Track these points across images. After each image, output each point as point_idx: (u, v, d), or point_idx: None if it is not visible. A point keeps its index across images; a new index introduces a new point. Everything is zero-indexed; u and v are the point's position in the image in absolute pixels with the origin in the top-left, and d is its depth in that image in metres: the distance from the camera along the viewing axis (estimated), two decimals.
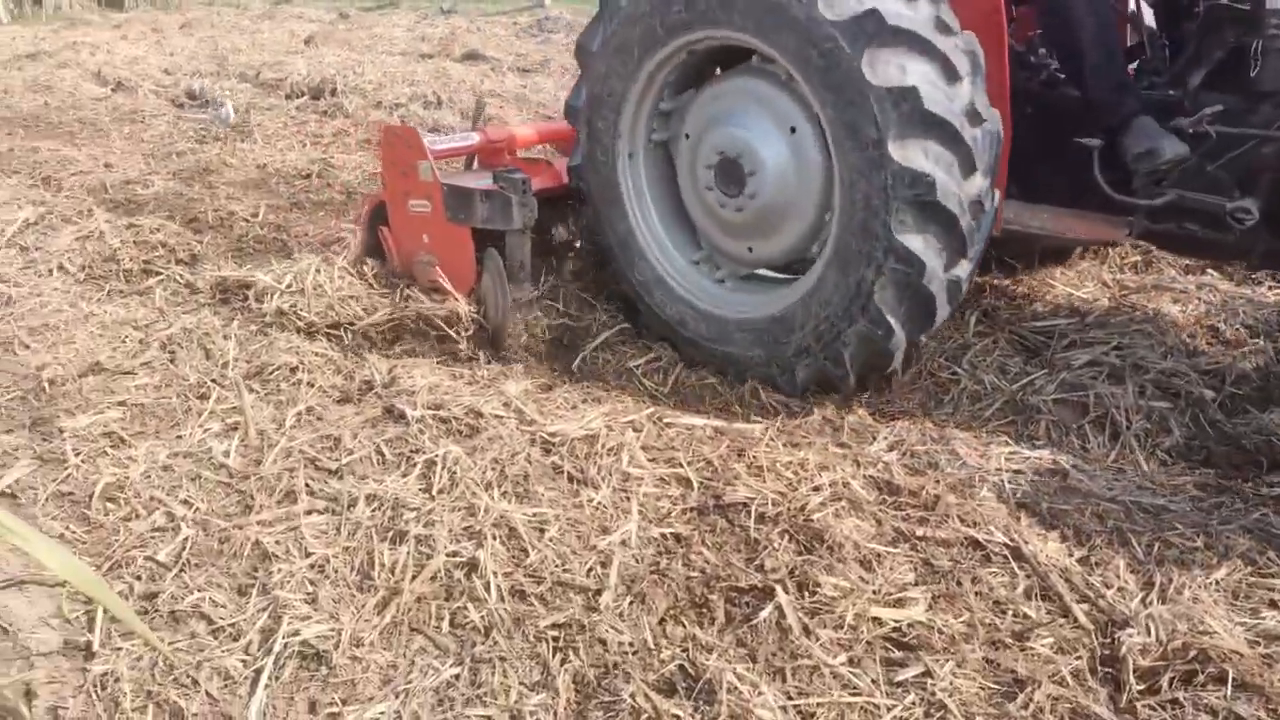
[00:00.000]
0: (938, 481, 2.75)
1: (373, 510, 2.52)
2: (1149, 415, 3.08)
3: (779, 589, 2.26)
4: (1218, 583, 2.33)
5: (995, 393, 3.24)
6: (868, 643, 2.14)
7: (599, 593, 2.28)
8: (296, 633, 2.12)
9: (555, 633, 2.16)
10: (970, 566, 2.41)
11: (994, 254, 4.02)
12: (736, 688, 1.97)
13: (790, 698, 1.98)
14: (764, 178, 3.20)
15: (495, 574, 2.30)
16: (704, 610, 2.27)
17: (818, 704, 1.96)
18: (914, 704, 1.96)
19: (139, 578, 2.34)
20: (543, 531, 2.46)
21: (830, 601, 2.24)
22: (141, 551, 2.42)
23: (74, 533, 2.52)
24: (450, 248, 3.65)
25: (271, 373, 3.24)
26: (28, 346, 3.58)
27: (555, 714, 1.96)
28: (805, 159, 3.15)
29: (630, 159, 3.57)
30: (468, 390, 3.09)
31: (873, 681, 2.03)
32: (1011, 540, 2.47)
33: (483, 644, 2.13)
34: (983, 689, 2.01)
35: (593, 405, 3.05)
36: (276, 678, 2.04)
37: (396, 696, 1.99)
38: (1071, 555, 2.48)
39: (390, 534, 2.44)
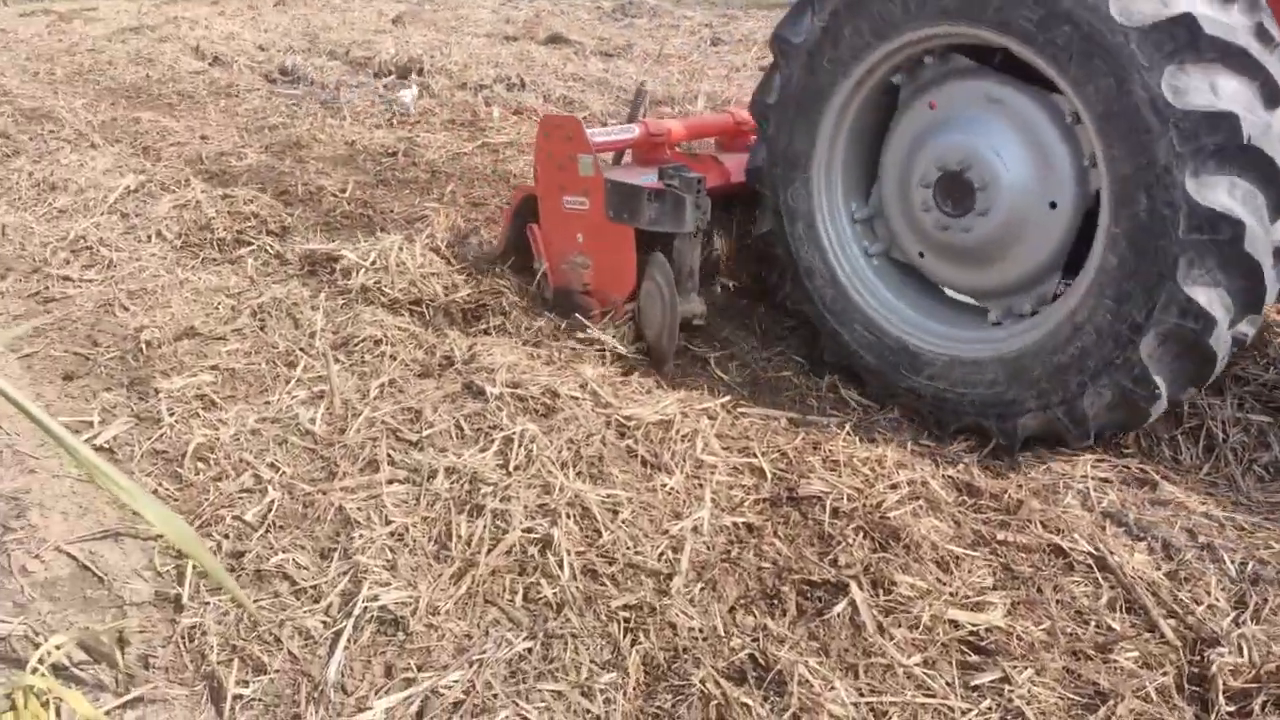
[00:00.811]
0: (1020, 485, 2.69)
1: (451, 483, 2.56)
2: (1247, 428, 2.95)
3: (853, 585, 2.23)
4: None
5: None
6: (943, 645, 2.10)
7: (670, 577, 2.28)
8: (375, 598, 2.18)
9: (626, 613, 2.17)
10: (1052, 574, 2.35)
11: None
12: (808, 680, 1.96)
13: (862, 695, 1.96)
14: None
15: (569, 552, 2.32)
16: (775, 601, 2.25)
17: (890, 703, 1.93)
18: (990, 709, 1.92)
19: (226, 536, 2.43)
20: (616, 513, 2.47)
21: (906, 601, 2.21)
22: (230, 511, 2.51)
23: (166, 489, 2.62)
24: (609, 250, 3.39)
25: (356, 344, 3.31)
26: (127, 309, 3.73)
27: (625, 693, 1.97)
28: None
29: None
30: (545, 370, 3.11)
31: (948, 684, 1.99)
32: (1096, 549, 2.40)
33: (555, 620, 2.15)
34: (1062, 699, 1.96)
35: (668, 391, 3.05)
36: (355, 640, 2.09)
37: (470, 666, 2.03)
38: (1159, 569, 2.39)
39: (468, 507, 2.48)
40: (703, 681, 1.97)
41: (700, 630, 2.15)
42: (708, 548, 2.41)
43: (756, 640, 2.10)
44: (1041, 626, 2.16)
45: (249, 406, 2.99)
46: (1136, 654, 2.08)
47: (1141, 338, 2.53)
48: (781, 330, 3.66)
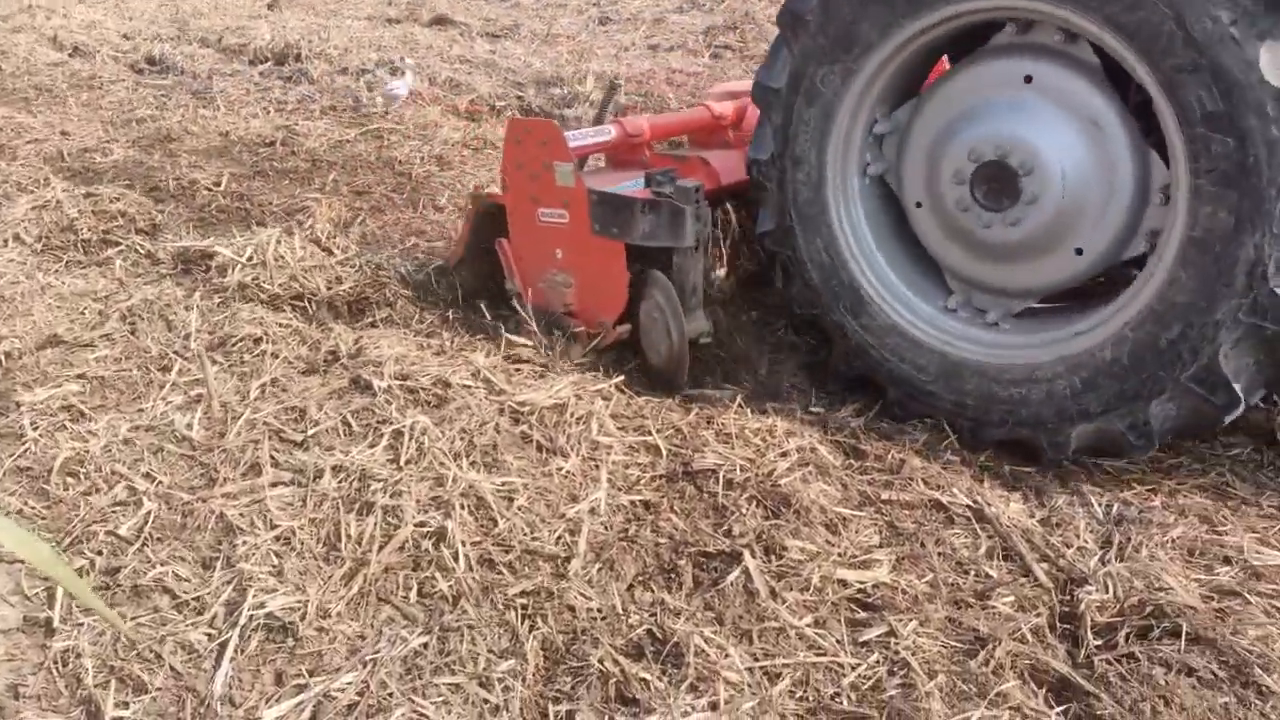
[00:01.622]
0: (903, 445, 2.78)
1: (339, 481, 2.50)
2: None
3: (746, 553, 2.27)
4: (1174, 541, 2.38)
5: None
6: (833, 604, 2.16)
7: (568, 560, 2.29)
8: (262, 605, 2.11)
9: (524, 600, 2.16)
10: (934, 528, 2.44)
11: None
12: (704, 650, 1.99)
13: (756, 659, 2.00)
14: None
15: (464, 543, 2.29)
16: (672, 575, 2.28)
17: (783, 664, 1.98)
18: (878, 663, 1.99)
19: (100, 553, 2.32)
20: (511, 500, 2.45)
21: (796, 564, 2.26)
22: (103, 526, 2.39)
23: (33, 508, 2.48)
24: (594, 267, 3.11)
25: (235, 344, 3.19)
26: None
27: (524, 680, 1.97)
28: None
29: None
30: (435, 360, 3.06)
31: (837, 642, 2.06)
32: (974, 502, 2.50)
33: (451, 613, 2.13)
34: (944, 647, 2.04)
35: (562, 375, 3.03)
36: (242, 650, 2.03)
37: (364, 666, 1.99)
38: (1033, 516, 2.52)
39: (357, 505, 2.42)
40: (601, 660, 1.98)
41: (599, 610, 2.16)
42: (605, 528, 2.42)
43: (654, 615, 2.12)
44: (925, 579, 2.24)
45: (120, 415, 2.85)
46: (1013, 598, 2.19)
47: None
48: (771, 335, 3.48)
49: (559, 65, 7.94)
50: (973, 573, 2.29)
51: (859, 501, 2.55)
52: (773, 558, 2.30)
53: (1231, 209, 2.31)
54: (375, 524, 2.35)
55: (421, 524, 2.36)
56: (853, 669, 1.98)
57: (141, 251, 4.07)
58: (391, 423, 2.68)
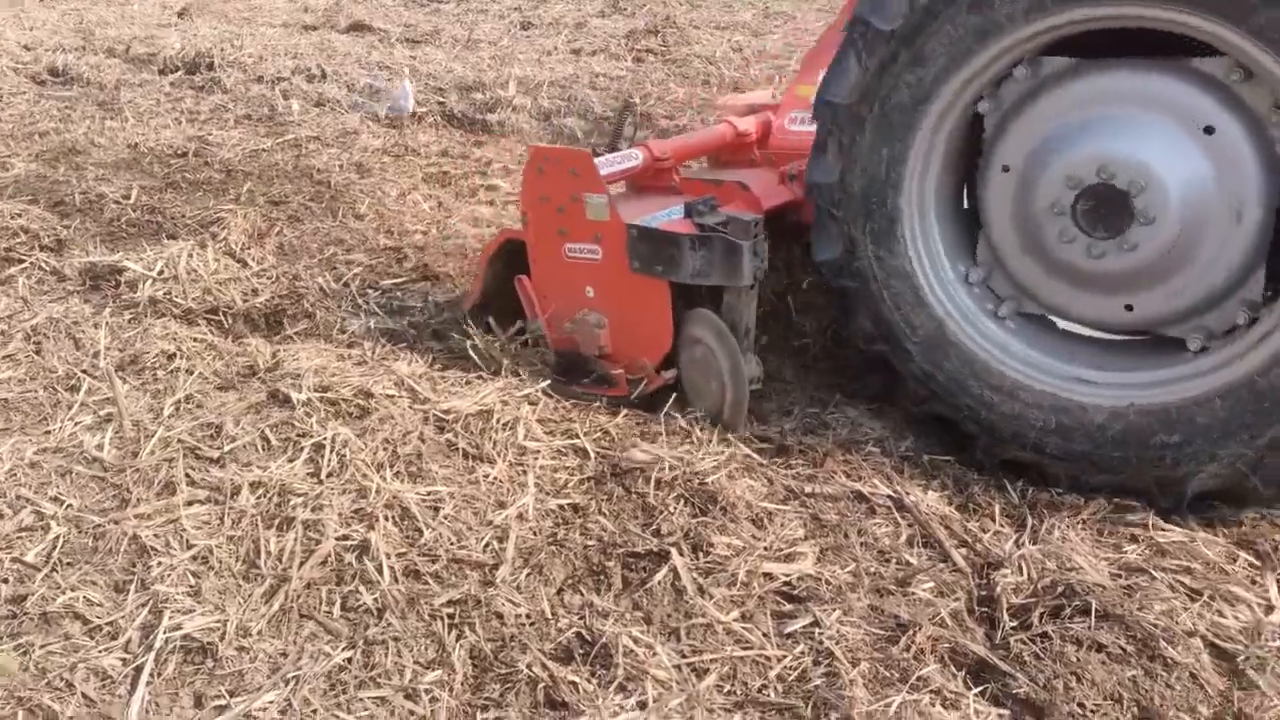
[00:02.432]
0: (827, 440, 2.83)
1: (258, 498, 2.45)
2: None
3: (674, 552, 2.29)
4: (1084, 521, 2.47)
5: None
6: (759, 598, 2.19)
7: (496, 567, 2.27)
8: (178, 627, 2.05)
9: (451, 609, 2.14)
10: (856, 519, 2.49)
11: None
12: (632, 650, 2.00)
13: (685, 656, 2.02)
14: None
15: (388, 555, 2.27)
16: (601, 577, 2.29)
17: (710, 660, 2.00)
18: (803, 653, 2.02)
19: (6, 580, 2.22)
20: (437, 510, 2.43)
21: (724, 560, 2.29)
22: (8, 553, 2.29)
23: None
24: (634, 307, 2.89)
25: (147, 361, 3.09)
26: None
27: (451, 690, 1.95)
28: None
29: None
30: (357, 371, 3.01)
31: (764, 635, 2.08)
32: (895, 492, 2.56)
33: (376, 626, 2.10)
34: (867, 635, 2.08)
35: (488, 381, 3.01)
36: (158, 674, 1.97)
37: (286, 684, 1.95)
38: (951, 503, 2.59)
39: (277, 521, 2.37)
40: (529, 666, 1.98)
41: (528, 616, 2.15)
42: (534, 533, 2.41)
43: (583, 618, 2.12)
44: (848, 569, 2.29)
45: (26, 438, 2.74)
46: (932, 584, 2.25)
47: None
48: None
49: (481, 70, 7.89)
50: (894, 561, 2.34)
51: (784, 496, 2.59)
52: (700, 555, 2.32)
53: None
54: (296, 539, 2.30)
55: (344, 537, 2.32)
56: (779, 660, 2.01)
57: (46, 269, 3.92)
58: (311, 436, 2.63)
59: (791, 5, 10.70)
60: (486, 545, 2.35)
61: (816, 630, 2.08)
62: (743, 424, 2.81)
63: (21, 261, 4.00)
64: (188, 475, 2.52)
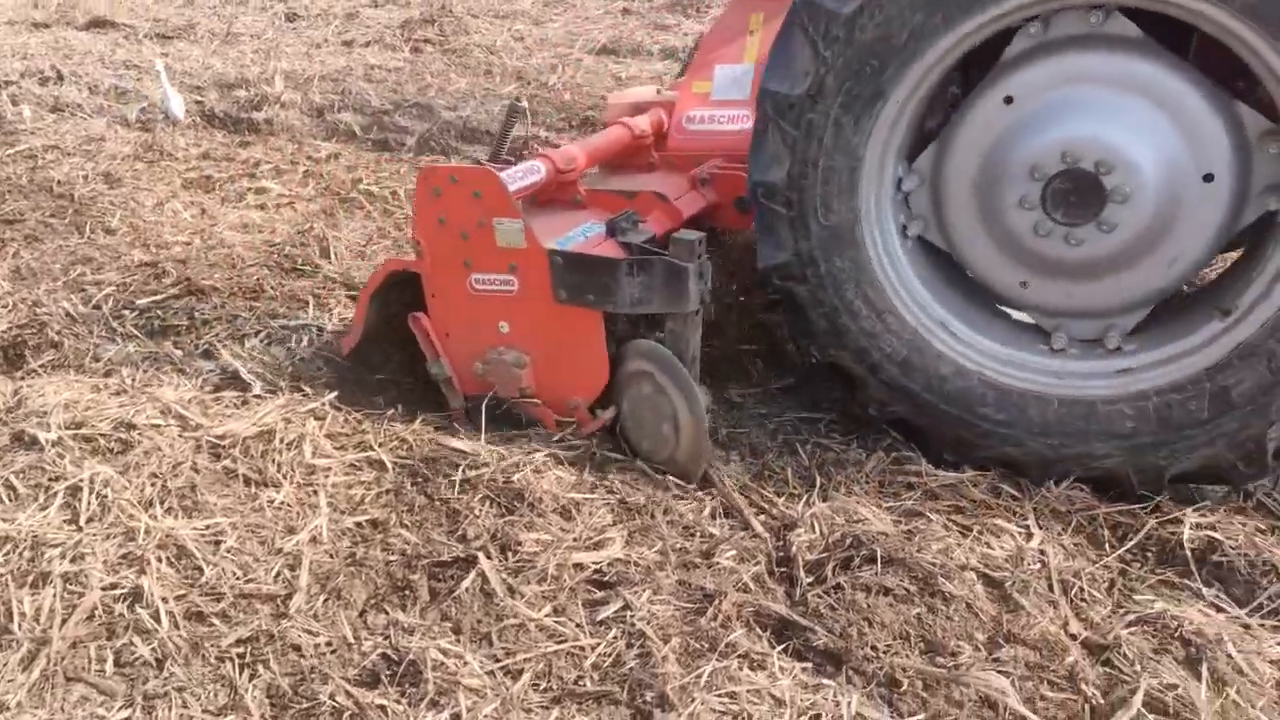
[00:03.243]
0: None
1: (5, 554, 2.17)
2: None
3: (481, 555, 2.24)
4: (867, 475, 2.63)
5: None
6: (571, 589, 2.18)
7: (289, 597, 2.14)
8: None
9: (241, 649, 2.00)
10: (662, 499, 2.53)
11: None
12: (442, 663, 1.94)
13: (497, 660, 1.98)
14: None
15: (165, 600, 2.08)
16: (407, 592, 2.20)
17: (524, 660, 1.98)
18: (616, 638, 2.04)
19: None
20: (218, 544, 2.25)
21: (532, 557, 2.26)
22: None
23: None
24: (561, 342, 2.64)
25: None
26: None
27: None
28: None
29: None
30: (115, 402, 2.74)
31: (577, 625, 2.08)
32: None
33: (156, 679, 1.92)
34: (677, 610, 2.13)
35: (267, 399, 2.83)
36: None
37: None
38: (749, 472, 2.68)
39: (30, 577, 2.12)
40: (332, 696, 1.87)
41: (328, 643, 2.04)
42: (330, 556, 2.29)
43: (388, 637, 2.04)
44: (655, 549, 2.32)
45: None
46: (734, 552, 2.32)
47: None
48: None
49: (243, 66, 7.38)
50: (698, 535, 2.40)
51: (591, 485, 2.59)
52: (509, 555, 2.28)
53: None
54: (55, 595, 2.07)
55: (112, 586, 2.11)
56: (593, 649, 2.01)
57: None
58: (65, 479, 2.37)
59: None
60: (277, 575, 2.20)
61: (628, 613, 2.10)
62: (703, 465, 2.58)
63: None
64: None
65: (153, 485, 2.38)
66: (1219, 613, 2.19)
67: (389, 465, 2.62)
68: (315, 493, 2.47)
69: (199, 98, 6.58)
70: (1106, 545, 2.41)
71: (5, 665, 1.94)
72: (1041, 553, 2.33)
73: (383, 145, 5.95)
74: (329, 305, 3.60)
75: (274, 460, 2.53)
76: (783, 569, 2.29)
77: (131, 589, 2.09)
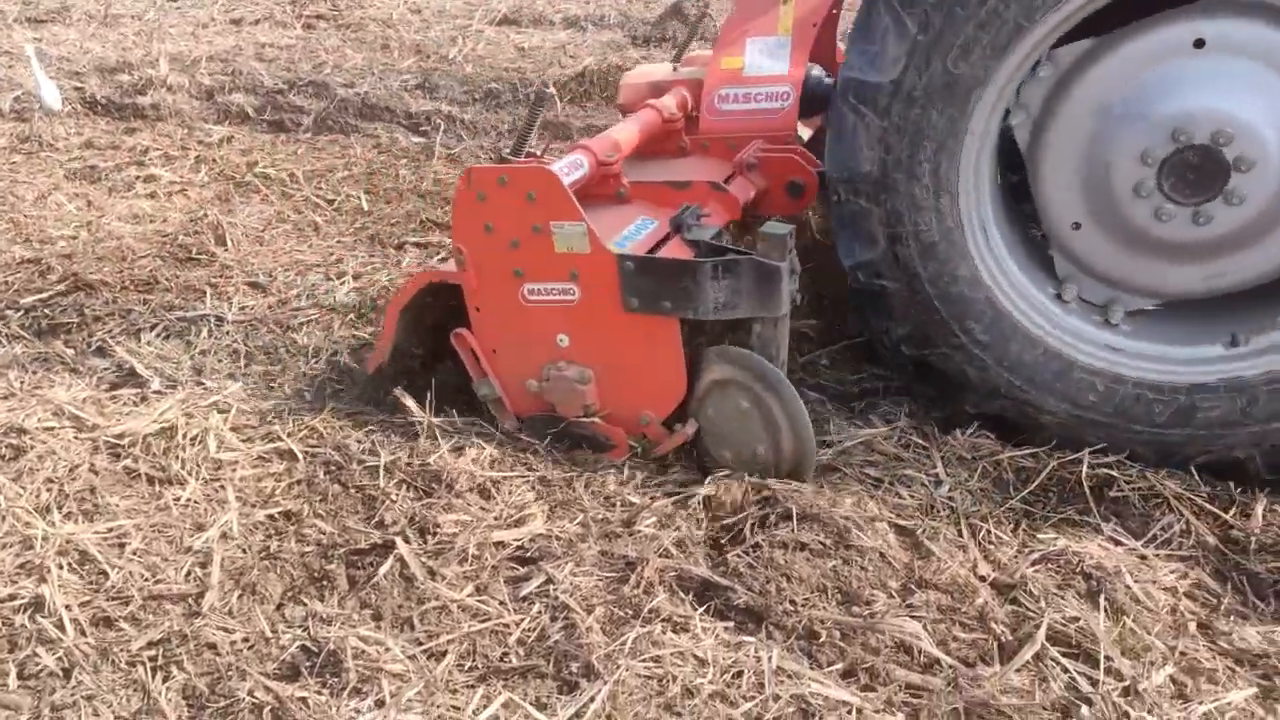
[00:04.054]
0: None
1: None
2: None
3: (399, 540, 2.21)
4: None
5: None
6: (493, 568, 2.17)
7: (201, 595, 2.08)
8: None
9: (153, 651, 1.94)
10: (583, 471, 2.53)
11: None
12: (363, 651, 1.91)
13: (420, 643, 1.96)
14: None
15: (68, 607, 2.00)
16: (325, 583, 2.16)
17: (447, 641, 1.96)
18: (540, 613, 2.04)
19: None
20: (123, 546, 2.18)
21: (452, 538, 2.24)
22: None
23: None
24: (631, 354, 2.41)
25: None
26: None
27: None
28: None
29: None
30: (3, 406, 2.61)
31: (500, 603, 2.07)
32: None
33: (64, 688, 1.85)
34: (600, 580, 2.14)
35: (166, 394, 2.73)
36: None
37: None
38: None
39: None
40: (251, 692, 1.83)
41: (245, 639, 1.99)
42: (242, 551, 2.23)
43: (306, 629, 2.00)
44: (576, 521, 2.33)
45: None
46: (655, 519, 2.34)
47: None
48: None
49: (124, 49, 7.05)
50: (619, 504, 2.41)
51: (511, 463, 2.57)
52: (428, 538, 2.25)
53: None
54: None
55: (11, 597, 2.03)
56: (517, 625, 2.01)
57: None
58: None
59: None
60: (188, 574, 2.14)
61: (551, 587, 2.10)
62: (810, 473, 2.43)
63: None
64: None
65: (48, 490, 2.28)
66: (1117, 545, 2.30)
67: (299, 455, 2.57)
68: (223, 488, 2.40)
69: (78, 84, 6.25)
70: (1011, 489, 2.50)
71: None
72: (950, 499, 2.41)
73: (278, 126, 5.75)
74: (227, 294, 3.48)
75: (177, 457, 2.45)
76: (702, 531, 2.32)
77: (32, 598, 2.01)
